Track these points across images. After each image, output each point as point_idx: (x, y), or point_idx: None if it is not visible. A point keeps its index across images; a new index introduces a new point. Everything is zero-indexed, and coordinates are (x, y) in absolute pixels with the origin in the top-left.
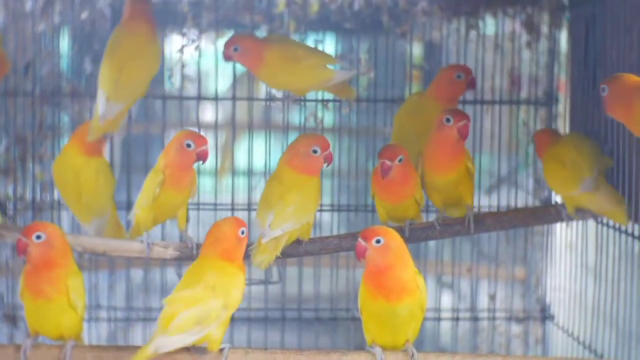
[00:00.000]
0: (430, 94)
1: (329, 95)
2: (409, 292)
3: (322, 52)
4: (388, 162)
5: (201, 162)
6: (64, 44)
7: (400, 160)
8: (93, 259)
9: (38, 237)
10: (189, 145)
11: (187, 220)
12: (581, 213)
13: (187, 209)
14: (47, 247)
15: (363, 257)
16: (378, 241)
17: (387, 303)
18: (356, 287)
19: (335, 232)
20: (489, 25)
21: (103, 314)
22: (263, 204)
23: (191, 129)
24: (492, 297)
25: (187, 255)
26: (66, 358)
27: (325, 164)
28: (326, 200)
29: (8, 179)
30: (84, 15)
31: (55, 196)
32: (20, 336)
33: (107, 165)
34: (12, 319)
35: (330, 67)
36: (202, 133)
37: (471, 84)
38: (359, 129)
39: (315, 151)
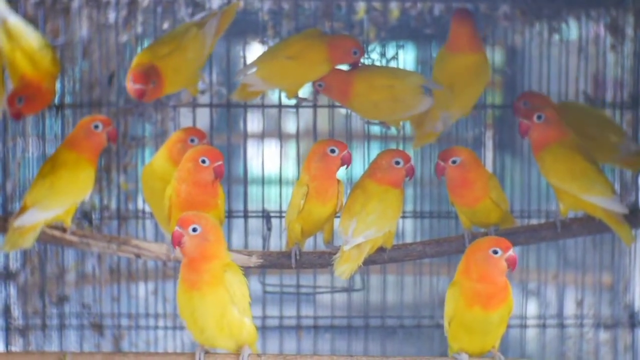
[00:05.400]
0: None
1: None
2: (504, 299)
3: (411, 75)
4: (441, 163)
5: (345, 166)
6: None
7: (453, 162)
8: (178, 267)
9: (194, 229)
10: (333, 151)
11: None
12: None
13: (333, 222)
14: (203, 239)
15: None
16: None
17: (482, 311)
18: (440, 295)
19: (418, 239)
20: (572, 28)
21: None
22: (346, 213)
23: (272, 138)
24: (579, 304)
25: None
26: None
27: (407, 178)
28: (409, 207)
29: (93, 189)
30: (166, 25)
31: (139, 205)
32: (106, 345)
33: None
34: (99, 328)
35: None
36: (282, 142)
37: None
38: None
39: (397, 162)
